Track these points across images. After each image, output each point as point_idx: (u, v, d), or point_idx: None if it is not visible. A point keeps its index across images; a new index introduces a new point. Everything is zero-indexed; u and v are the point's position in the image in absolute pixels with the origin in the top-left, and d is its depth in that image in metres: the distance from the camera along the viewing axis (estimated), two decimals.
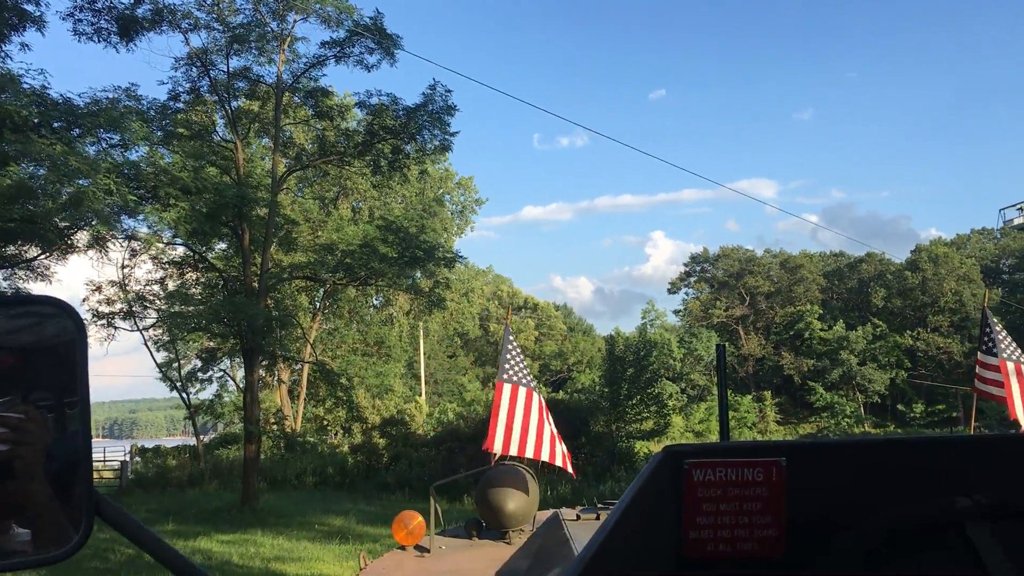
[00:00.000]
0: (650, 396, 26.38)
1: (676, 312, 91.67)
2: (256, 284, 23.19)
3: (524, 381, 7.53)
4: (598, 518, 4.57)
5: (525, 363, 7.77)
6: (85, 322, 1.23)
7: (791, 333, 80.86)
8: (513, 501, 4.75)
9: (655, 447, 29.48)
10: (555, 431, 7.65)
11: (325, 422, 50.16)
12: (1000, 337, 9.47)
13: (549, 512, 5.10)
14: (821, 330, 78.21)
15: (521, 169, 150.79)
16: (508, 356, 7.63)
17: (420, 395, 61.92)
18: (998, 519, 1.34)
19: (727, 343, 47.47)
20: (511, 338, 7.72)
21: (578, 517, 4.62)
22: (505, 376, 7.48)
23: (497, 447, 7.04)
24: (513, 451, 7.06)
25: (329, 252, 24.71)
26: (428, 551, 4.69)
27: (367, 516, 20.43)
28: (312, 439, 42.39)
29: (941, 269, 74.17)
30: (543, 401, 7.72)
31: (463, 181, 55.57)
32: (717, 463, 1.36)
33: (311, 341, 36.63)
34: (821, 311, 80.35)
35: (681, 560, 1.35)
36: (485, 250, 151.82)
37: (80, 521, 1.14)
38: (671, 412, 30.99)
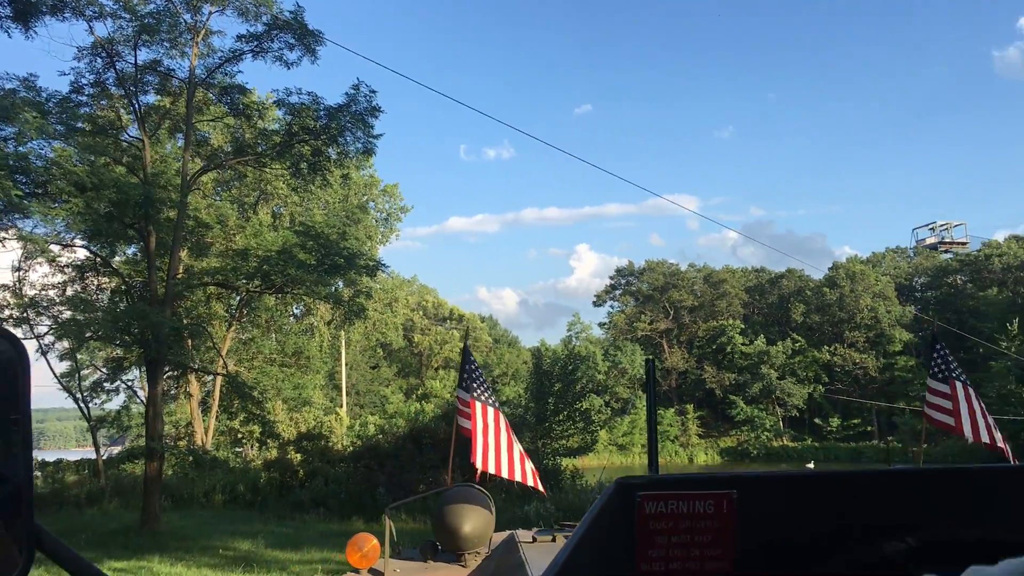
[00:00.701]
0: (577, 412, 25.74)
1: (601, 325, 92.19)
2: (162, 290, 21.73)
3: (489, 401, 7.68)
4: (554, 540, 4.42)
5: (487, 382, 7.96)
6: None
7: (713, 347, 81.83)
8: (469, 523, 4.68)
9: (582, 464, 28.87)
10: (522, 450, 7.83)
11: (240, 435, 48.27)
12: (950, 359, 9.16)
13: (505, 534, 5.02)
14: (743, 344, 79.32)
15: (447, 180, 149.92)
16: (474, 375, 7.77)
17: (341, 407, 60.38)
18: (945, 562, 1.28)
19: (647, 356, 47.35)
20: (472, 357, 7.86)
21: (534, 539, 4.47)
22: (475, 394, 7.60)
23: (479, 463, 7.29)
24: (492, 469, 7.33)
25: (243, 258, 23.37)
26: (382, 575, 4.58)
27: (277, 539, 19.17)
28: (225, 454, 40.61)
29: (858, 286, 76.01)
30: (507, 421, 7.88)
31: (388, 188, 54.42)
32: (669, 495, 1.37)
33: (224, 351, 34.98)
34: (743, 326, 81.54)
35: None
36: (411, 260, 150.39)
37: (19, 554, 1.07)
38: (598, 428, 30.48)
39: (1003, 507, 1.45)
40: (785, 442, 76.11)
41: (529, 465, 7.78)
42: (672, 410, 78.06)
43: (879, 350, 75.53)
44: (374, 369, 78.64)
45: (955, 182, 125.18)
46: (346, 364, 65.22)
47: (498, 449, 7.63)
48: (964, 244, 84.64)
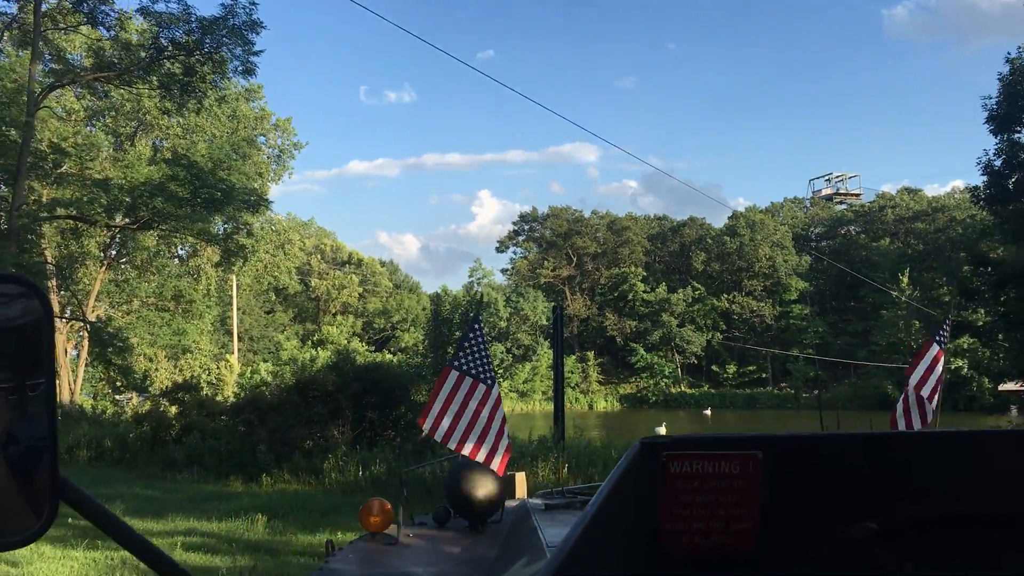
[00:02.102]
0: None
1: (504, 271, 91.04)
2: (7, 225, 19.01)
3: (474, 372, 7.53)
4: (567, 507, 4.50)
5: (487, 357, 7.68)
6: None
7: (615, 294, 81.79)
8: (482, 490, 4.77)
9: None
10: (500, 428, 7.57)
11: (118, 383, 45.15)
12: (945, 328, 8.51)
13: (516, 502, 5.21)
14: (644, 292, 79.49)
15: (348, 123, 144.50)
16: (467, 345, 7.62)
17: (232, 354, 57.51)
18: (962, 526, 1.27)
19: (554, 303, 46.37)
20: (476, 327, 7.67)
21: (546, 506, 4.55)
22: (456, 363, 7.51)
23: (428, 425, 7.28)
24: (439, 437, 7.30)
25: (104, 189, 20.70)
26: (396, 539, 4.62)
27: (140, 504, 17.06)
28: (104, 404, 37.71)
29: (757, 235, 76.80)
30: (497, 398, 7.65)
31: (280, 123, 51.15)
32: (694, 456, 1.36)
33: (95, 294, 31.99)
34: (644, 273, 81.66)
35: (658, 552, 1.35)
36: (310, 203, 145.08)
37: (44, 505, 1.12)
38: (500, 379, 29.08)
39: None
40: (683, 388, 77.07)
41: (501, 443, 7.39)
42: (573, 357, 77.85)
43: (775, 298, 76.86)
44: (269, 314, 75.57)
45: (849, 136, 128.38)
46: (238, 308, 62.14)
47: (457, 420, 7.39)
48: (858, 195, 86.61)
